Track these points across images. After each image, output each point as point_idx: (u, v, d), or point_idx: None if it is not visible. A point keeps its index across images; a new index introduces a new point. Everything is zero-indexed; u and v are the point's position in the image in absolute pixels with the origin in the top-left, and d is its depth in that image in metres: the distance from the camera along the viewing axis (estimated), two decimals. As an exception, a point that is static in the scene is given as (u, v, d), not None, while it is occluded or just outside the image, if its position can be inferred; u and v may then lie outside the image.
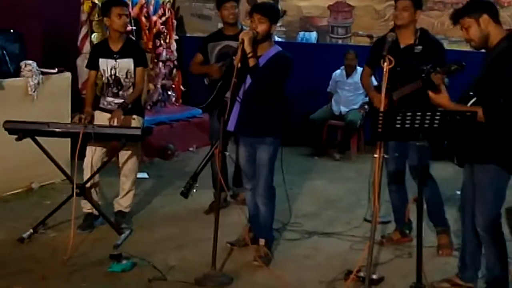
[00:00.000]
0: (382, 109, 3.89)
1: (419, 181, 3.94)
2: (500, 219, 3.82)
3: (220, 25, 5.80)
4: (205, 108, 5.67)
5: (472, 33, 3.65)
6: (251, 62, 4.26)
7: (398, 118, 3.56)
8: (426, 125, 3.56)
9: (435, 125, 3.56)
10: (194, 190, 4.59)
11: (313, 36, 8.92)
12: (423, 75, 3.93)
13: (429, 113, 3.54)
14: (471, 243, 3.95)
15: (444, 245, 4.78)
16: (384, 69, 3.97)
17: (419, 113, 3.54)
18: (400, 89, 4.51)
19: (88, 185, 4.97)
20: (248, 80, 4.38)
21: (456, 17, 3.71)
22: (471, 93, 3.65)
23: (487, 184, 3.71)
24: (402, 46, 4.60)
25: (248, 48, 4.24)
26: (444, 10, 8.01)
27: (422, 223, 3.79)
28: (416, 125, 3.56)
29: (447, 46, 7.80)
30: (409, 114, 3.54)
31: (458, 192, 6.39)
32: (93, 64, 5.15)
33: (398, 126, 3.58)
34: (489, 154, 3.64)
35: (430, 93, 3.70)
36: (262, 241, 4.58)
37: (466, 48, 7.77)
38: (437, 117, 3.53)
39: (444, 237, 4.81)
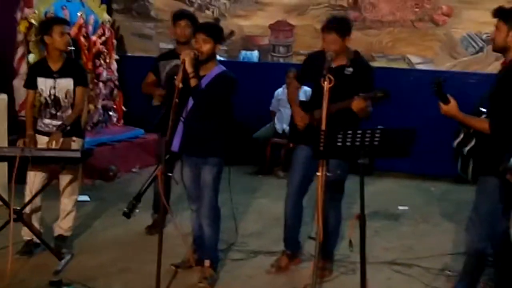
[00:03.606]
0: (323, 127, 3.92)
1: (360, 194, 3.90)
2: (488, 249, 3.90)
3: (163, 44, 5.77)
4: (156, 128, 5.58)
5: (497, 37, 3.67)
6: (193, 83, 4.24)
7: (339, 136, 3.61)
8: (366, 143, 3.62)
9: (376, 143, 3.62)
10: (137, 211, 4.51)
11: (254, 55, 8.98)
12: (434, 85, 3.60)
13: (369, 131, 3.60)
14: None
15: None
16: (325, 88, 4.01)
17: (359, 131, 3.60)
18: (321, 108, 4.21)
19: (27, 210, 4.82)
20: (191, 100, 4.36)
21: (496, 14, 3.70)
22: (482, 108, 3.66)
23: (484, 196, 3.73)
24: (334, 65, 4.40)
25: (189, 68, 4.22)
26: (381, 28, 8.17)
27: (365, 239, 3.83)
28: (357, 143, 3.61)
29: (385, 64, 8.01)
30: (349, 132, 3.60)
31: (400, 208, 6.60)
32: (31, 83, 4.97)
33: (340, 144, 3.63)
34: (491, 167, 3.61)
35: (441, 105, 3.65)
36: (207, 262, 4.54)
37: (404, 66, 8.06)
38: (377, 135, 3.59)
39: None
